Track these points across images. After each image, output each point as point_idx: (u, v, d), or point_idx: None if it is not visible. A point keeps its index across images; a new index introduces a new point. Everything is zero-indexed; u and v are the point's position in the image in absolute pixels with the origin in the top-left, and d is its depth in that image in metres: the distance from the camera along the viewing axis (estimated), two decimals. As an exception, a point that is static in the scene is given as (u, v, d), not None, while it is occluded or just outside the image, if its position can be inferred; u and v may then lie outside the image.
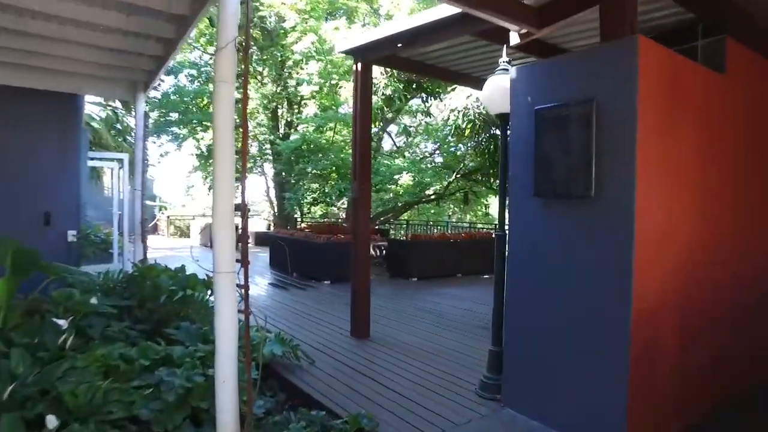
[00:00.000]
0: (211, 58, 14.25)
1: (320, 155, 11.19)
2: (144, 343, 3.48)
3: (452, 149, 13.05)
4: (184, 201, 23.26)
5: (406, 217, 18.54)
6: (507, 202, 3.75)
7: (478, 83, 6.82)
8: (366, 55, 5.41)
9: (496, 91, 3.79)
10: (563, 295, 3.19)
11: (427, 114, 11.73)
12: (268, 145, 14.61)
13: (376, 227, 15.62)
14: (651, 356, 3.08)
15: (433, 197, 15.91)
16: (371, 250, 11.06)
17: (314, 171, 10.97)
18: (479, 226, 17.60)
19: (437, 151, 14.21)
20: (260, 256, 13.77)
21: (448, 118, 8.70)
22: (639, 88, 2.85)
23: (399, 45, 4.81)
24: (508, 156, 3.66)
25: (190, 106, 13.70)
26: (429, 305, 7.56)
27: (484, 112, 8.26)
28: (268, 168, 18.45)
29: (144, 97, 5.92)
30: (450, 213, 20.42)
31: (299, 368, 4.46)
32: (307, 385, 4.06)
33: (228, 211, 2.77)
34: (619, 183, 2.93)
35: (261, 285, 9.38)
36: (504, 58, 3.96)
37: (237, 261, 2.78)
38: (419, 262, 10.33)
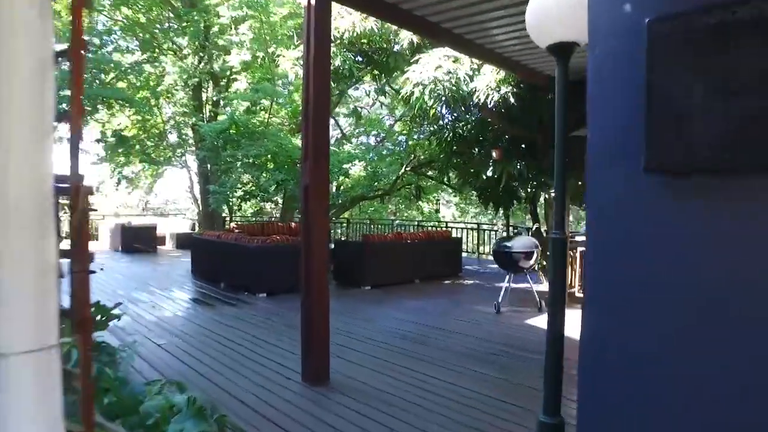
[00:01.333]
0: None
1: (253, 140, 9.38)
2: None
3: (401, 138, 11.68)
4: (93, 198, 20.30)
5: (346, 216, 17.02)
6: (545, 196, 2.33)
7: (459, 44, 5.42)
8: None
9: (555, 5, 2.35)
10: (729, 344, 1.80)
11: (382, 93, 10.27)
12: (189, 131, 12.52)
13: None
14: None
15: (379, 193, 14.49)
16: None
17: (245, 159, 9.20)
18: (428, 224, 16.43)
19: (383, 140, 12.65)
20: (181, 262, 11.68)
21: (410, 96, 7.24)
22: None
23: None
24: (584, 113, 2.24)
25: (87, 78, 11.15)
26: (396, 325, 6.07)
27: (454, 87, 6.89)
28: (192, 161, 16.20)
29: None
30: (394, 210, 19.14)
31: (227, 455, 2.80)
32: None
33: (29, 201, 1.11)
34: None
35: (179, 300, 7.46)
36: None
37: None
38: (373, 268, 8.82)
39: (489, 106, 7.95)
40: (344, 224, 16.39)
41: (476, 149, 9.48)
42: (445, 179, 11.19)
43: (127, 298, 7.35)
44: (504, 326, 6.19)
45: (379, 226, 16.62)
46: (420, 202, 18.02)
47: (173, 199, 20.89)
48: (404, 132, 10.05)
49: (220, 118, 10.60)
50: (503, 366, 4.49)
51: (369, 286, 8.69)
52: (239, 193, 9.98)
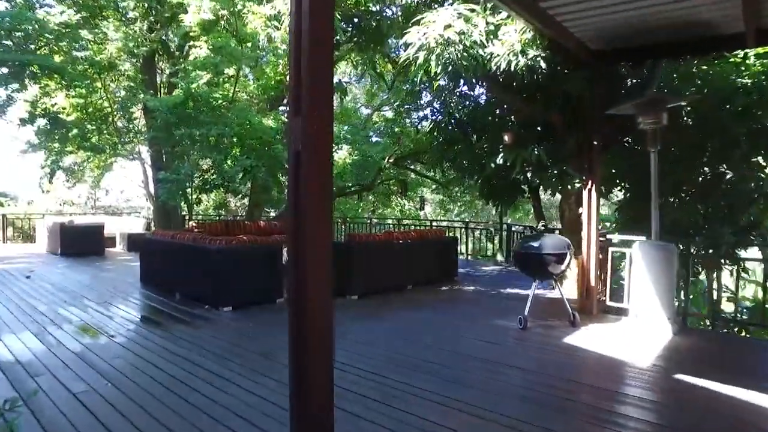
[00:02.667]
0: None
1: (215, 118, 7.69)
2: None
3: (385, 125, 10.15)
4: (33, 194, 18.01)
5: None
6: None
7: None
8: None
9: None
10: None
11: (371, 66, 8.74)
12: (140, 114, 10.69)
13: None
14: None
15: (355, 188, 13.02)
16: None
17: (205, 139, 7.52)
18: (407, 223, 15.07)
19: (371, 118, 10.94)
20: (130, 268, 9.95)
21: (410, 64, 5.86)
22: None
23: None
24: None
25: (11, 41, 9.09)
26: (404, 350, 4.69)
27: (467, 52, 5.55)
28: (146, 153, 14.33)
29: None
30: (372, 208, 17.70)
31: None
32: None
33: None
34: None
35: (120, 319, 5.85)
36: None
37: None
38: (362, 274, 7.41)
39: (500, 80, 6.68)
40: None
41: (479, 135, 8.19)
42: (435, 172, 9.85)
43: (50, 317, 5.70)
44: (544, 349, 4.91)
45: (354, 226, 15.19)
46: (402, 199, 16.69)
47: (126, 196, 18.83)
48: (393, 117, 8.53)
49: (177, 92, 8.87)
50: (595, 417, 3.18)
51: (356, 296, 7.27)
52: (197, 182, 8.25)
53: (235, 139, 7.72)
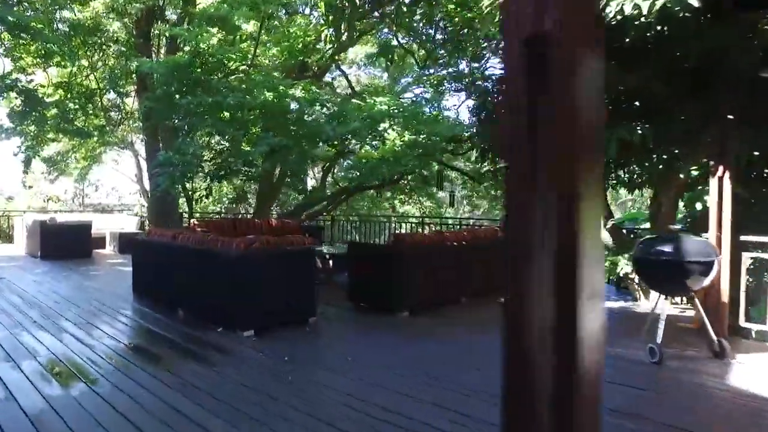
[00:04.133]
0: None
1: (228, 85, 5.98)
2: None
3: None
4: (14, 189, 16.23)
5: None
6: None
7: None
8: None
9: None
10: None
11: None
12: (132, 95, 9.01)
13: (304, 222, 10.96)
14: None
15: (376, 183, 11.42)
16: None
17: (219, 109, 5.81)
18: (428, 221, 13.56)
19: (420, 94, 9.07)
20: (122, 274, 8.40)
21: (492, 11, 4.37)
22: None
23: None
24: None
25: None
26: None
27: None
28: (140, 143, 12.73)
29: None
30: (387, 205, 16.15)
31: None
32: None
33: None
34: None
35: (108, 345, 4.32)
36: None
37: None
38: (411, 284, 5.91)
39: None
40: (330, 221, 13.37)
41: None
42: (477, 162, 8.30)
43: (7, 348, 4.15)
44: (698, 394, 3.46)
45: (369, 225, 13.66)
46: (420, 196, 15.17)
47: (118, 192, 17.14)
48: (430, 97, 6.90)
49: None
50: None
51: (407, 311, 5.78)
52: (209, 166, 6.55)
53: (257, 112, 6.05)
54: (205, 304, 5.17)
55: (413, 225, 13.70)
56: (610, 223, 7.99)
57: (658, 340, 4.11)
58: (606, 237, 9.15)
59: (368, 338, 4.91)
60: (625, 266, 6.80)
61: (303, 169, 6.30)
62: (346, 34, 7.28)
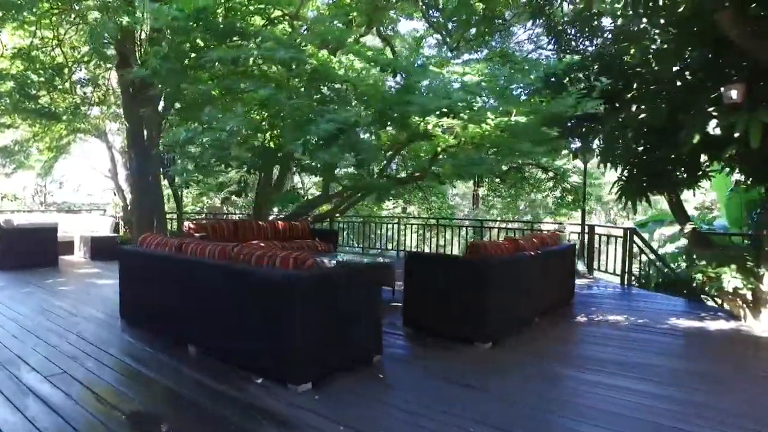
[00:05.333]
0: None
1: (275, 37, 4.30)
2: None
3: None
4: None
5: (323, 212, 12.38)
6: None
7: None
8: None
9: None
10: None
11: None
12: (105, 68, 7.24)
13: (311, 225, 9.52)
14: None
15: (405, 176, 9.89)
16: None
17: (262, 67, 4.16)
18: (434, 222, 12.26)
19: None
20: (98, 289, 6.78)
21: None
22: None
23: None
24: None
25: None
26: None
27: None
28: (116, 132, 10.97)
29: None
30: (391, 207, 14.77)
31: None
32: None
33: None
34: None
35: (91, 411, 2.83)
36: None
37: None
38: (495, 306, 4.56)
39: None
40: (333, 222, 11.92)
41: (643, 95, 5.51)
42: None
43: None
44: None
45: (372, 227, 12.28)
46: (429, 194, 13.83)
47: (88, 189, 15.15)
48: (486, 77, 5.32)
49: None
50: None
51: (489, 343, 4.44)
52: (240, 151, 4.73)
53: (306, 78, 4.33)
54: (233, 343, 3.70)
55: (418, 227, 12.38)
56: (689, 227, 6.83)
57: None
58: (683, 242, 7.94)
59: (459, 390, 3.53)
60: (732, 279, 5.64)
61: (378, 156, 4.81)
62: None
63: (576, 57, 6.20)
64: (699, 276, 6.02)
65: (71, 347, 4.13)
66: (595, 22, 6.20)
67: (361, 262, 3.84)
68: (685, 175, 6.30)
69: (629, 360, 4.19)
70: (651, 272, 8.70)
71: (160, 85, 5.19)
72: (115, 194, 11.92)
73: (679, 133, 5.03)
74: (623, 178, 6.54)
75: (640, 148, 6.12)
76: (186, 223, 7.01)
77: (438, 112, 4.55)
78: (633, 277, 8.52)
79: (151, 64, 4.27)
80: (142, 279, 4.61)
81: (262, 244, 6.61)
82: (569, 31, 6.42)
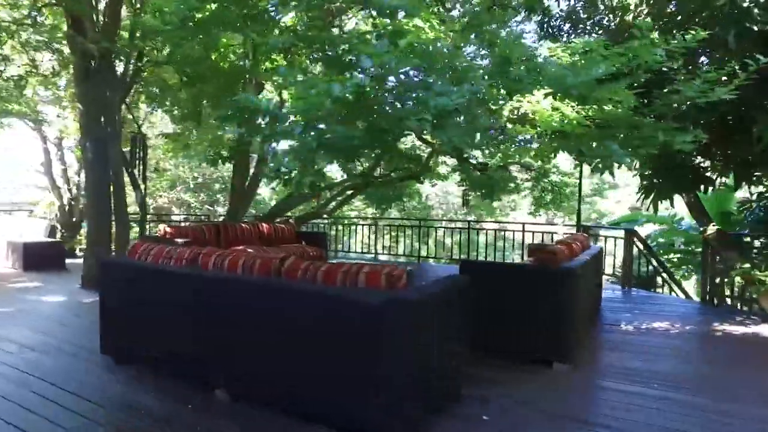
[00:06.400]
0: None
1: None
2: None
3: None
4: None
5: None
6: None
7: None
8: None
9: None
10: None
11: None
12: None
13: (300, 227, 8.62)
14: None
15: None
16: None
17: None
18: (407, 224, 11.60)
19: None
20: (49, 307, 5.46)
21: None
22: None
23: None
24: None
25: None
26: None
27: None
28: (55, 116, 9.33)
29: None
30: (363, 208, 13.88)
31: None
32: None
33: None
34: None
35: None
36: None
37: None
38: (569, 320, 3.92)
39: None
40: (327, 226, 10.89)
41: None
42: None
43: None
44: None
45: (342, 230, 11.44)
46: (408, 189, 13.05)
47: (11, 186, 12.94)
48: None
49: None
50: None
51: (569, 363, 3.81)
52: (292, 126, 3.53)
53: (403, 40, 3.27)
54: (292, 386, 2.78)
55: (397, 228, 11.64)
56: (713, 228, 6.58)
57: None
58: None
59: (573, 426, 2.84)
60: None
61: (475, 143, 3.95)
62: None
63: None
64: (738, 279, 5.73)
65: (40, 400, 3.01)
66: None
67: (449, 283, 3.01)
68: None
69: (711, 374, 3.69)
70: (648, 273, 8.53)
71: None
72: (50, 191, 10.22)
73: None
74: (652, 178, 6.18)
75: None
76: (161, 227, 5.85)
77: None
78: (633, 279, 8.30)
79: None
80: (138, 302, 3.53)
81: (250, 250, 5.66)
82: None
